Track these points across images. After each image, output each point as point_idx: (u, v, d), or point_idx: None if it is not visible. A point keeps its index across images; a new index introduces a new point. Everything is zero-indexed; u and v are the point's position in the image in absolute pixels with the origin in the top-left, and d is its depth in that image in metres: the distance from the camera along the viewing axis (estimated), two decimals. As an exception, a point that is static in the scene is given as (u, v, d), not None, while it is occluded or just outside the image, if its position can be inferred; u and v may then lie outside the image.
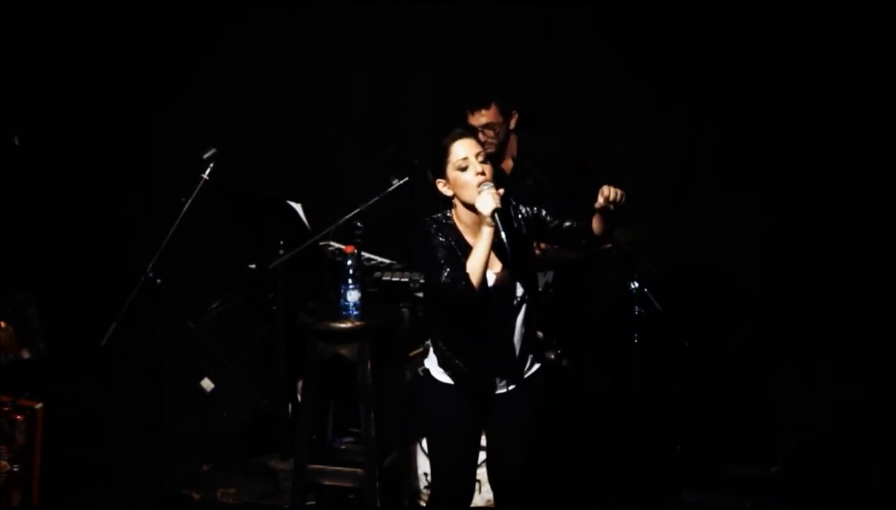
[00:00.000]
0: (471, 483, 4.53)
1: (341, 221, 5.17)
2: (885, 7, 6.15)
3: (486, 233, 4.17)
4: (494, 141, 5.74)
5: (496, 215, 4.14)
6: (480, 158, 4.25)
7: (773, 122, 6.52)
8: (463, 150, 4.26)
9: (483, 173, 4.22)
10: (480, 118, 5.73)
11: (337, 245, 5.33)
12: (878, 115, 6.36)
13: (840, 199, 6.47)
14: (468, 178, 4.24)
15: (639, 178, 6.61)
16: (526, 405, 4.43)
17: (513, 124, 5.85)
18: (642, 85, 6.58)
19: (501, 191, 4.22)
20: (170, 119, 6.97)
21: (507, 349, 4.36)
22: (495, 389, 4.40)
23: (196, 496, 5.88)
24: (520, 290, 4.33)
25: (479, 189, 4.19)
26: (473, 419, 4.42)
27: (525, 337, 4.38)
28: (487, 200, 4.16)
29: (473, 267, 4.17)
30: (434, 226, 4.30)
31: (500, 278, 4.30)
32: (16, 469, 5.06)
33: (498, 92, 5.78)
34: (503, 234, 4.13)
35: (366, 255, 5.51)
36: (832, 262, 6.51)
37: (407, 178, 5.15)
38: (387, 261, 5.68)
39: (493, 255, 4.26)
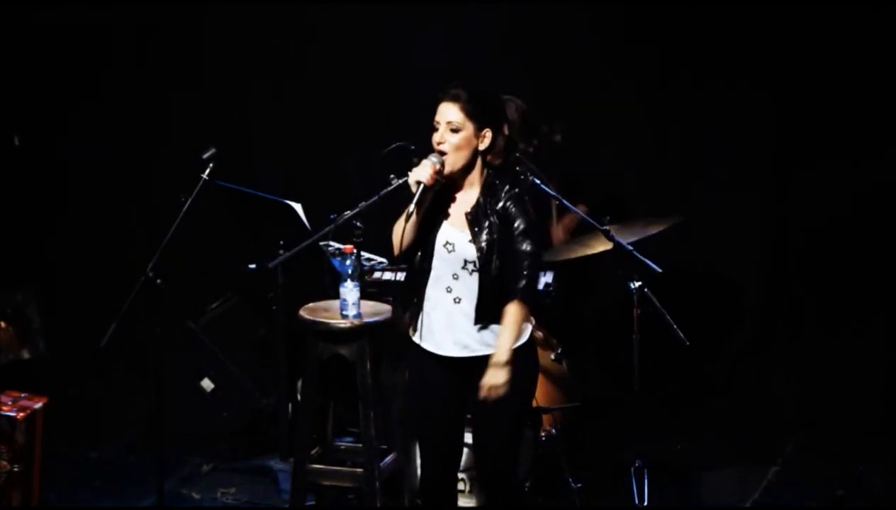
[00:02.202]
0: (453, 449, 4.54)
1: (341, 221, 5.16)
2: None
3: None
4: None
5: (420, 186, 4.29)
6: (451, 127, 4.33)
7: (773, 123, 6.53)
8: (439, 113, 4.39)
9: (440, 143, 4.34)
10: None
11: (337, 245, 5.32)
12: (874, 114, 6.38)
13: (839, 199, 6.48)
14: (433, 139, 4.38)
15: (641, 178, 6.62)
16: (505, 397, 4.36)
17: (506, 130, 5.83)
18: (642, 85, 6.59)
19: (438, 168, 4.30)
20: (169, 119, 6.97)
21: (460, 314, 4.37)
22: (456, 353, 4.40)
23: (196, 496, 5.89)
24: (467, 259, 4.35)
25: (428, 157, 4.34)
26: (449, 383, 4.44)
27: (482, 307, 4.36)
28: (419, 170, 4.32)
29: (395, 228, 4.39)
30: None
31: (449, 243, 4.37)
32: (16, 469, 5.05)
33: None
34: (411, 206, 4.28)
35: (366, 254, 5.51)
36: (832, 262, 6.51)
37: (406, 178, 5.14)
38: (387, 261, 5.68)
39: (449, 220, 4.39)
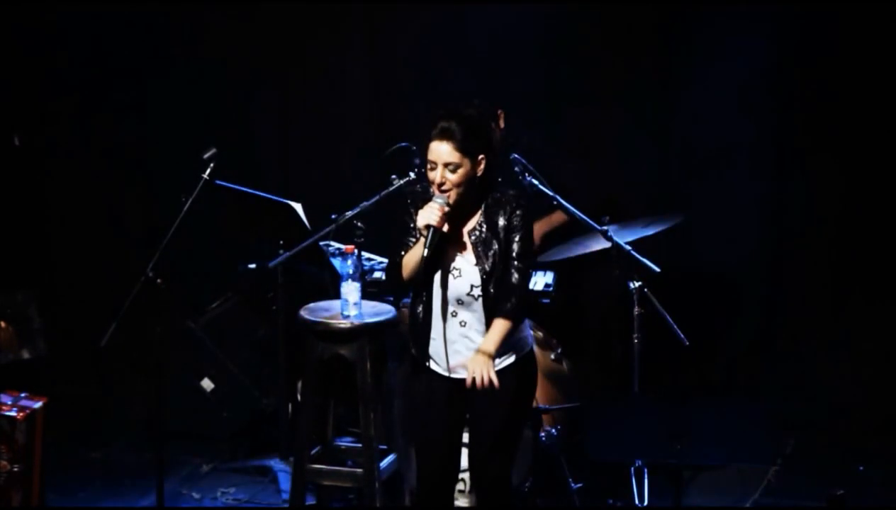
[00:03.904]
0: (449, 462, 4.53)
1: (341, 221, 5.17)
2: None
3: (421, 240, 4.28)
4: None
5: (429, 230, 4.26)
6: (450, 168, 4.30)
7: (773, 123, 6.53)
8: (433, 154, 4.33)
9: (442, 184, 4.31)
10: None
11: (337, 245, 5.32)
12: (873, 113, 6.38)
13: (840, 199, 6.48)
14: (431, 177, 4.34)
15: (641, 178, 6.62)
16: (498, 407, 4.41)
17: (502, 123, 5.85)
18: (642, 82, 6.59)
19: (447, 209, 4.28)
20: (170, 119, 6.96)
21: (465, 339, 4.38)
22: (455, 375, 4.40)
23: (196, 496, 5.89)
24: (474, 284, 4.35)
25: (432, 199, 4.31)
26: (447, 399, 4.44)
27: (485, 331, 4.37)
28: (428, 213, 4.28)
29: (406, 263, 4.36)
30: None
31: (456, 269, 4.37)
32: (16, 469, 5.06)
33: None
34: (424, 250, 4.25)
35: (366, 255, 5.51)
36: (832, 262, 6.51)
37: (408, 178, 5.15)
38: (387, 261, 5.68)
39: (453, 245, 4.38)
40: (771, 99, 6.48)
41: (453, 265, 4.38)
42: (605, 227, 5.07)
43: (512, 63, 6.59)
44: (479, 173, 4.35)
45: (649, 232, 5.36)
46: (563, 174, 5.76)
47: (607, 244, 5.11)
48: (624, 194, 6.35)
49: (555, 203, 5.06)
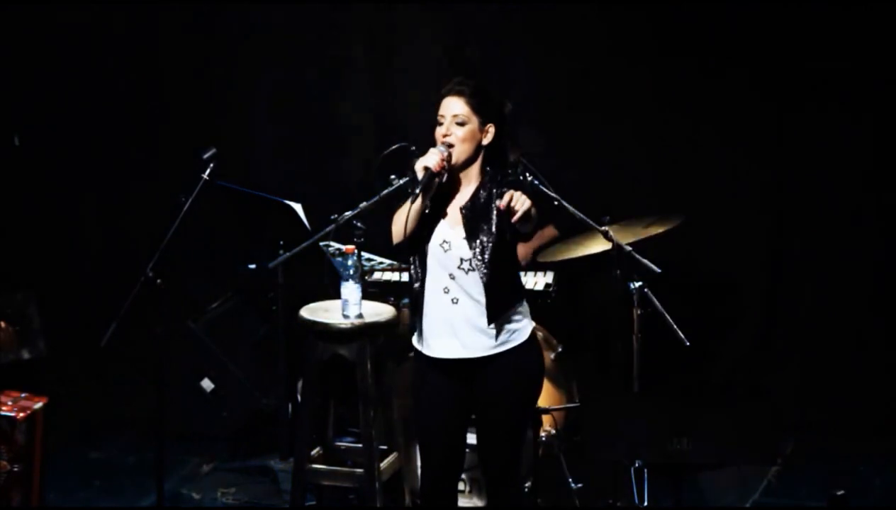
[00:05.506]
0: (454, 454, 4.53)
1: (341, 221, 5.17)
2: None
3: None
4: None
5: (427, 172, 4.26)
6: (458, 120, 4.35)
7: (773, 123, 6.53)
8: (443, 107, 4.40)
9: (447, 136, 4.35)
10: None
11: (337, 245, 5.32)
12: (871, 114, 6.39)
13: (839, 199, 6.48)
14: (438, 133, 4.38)
15: (639, 178, 6.62)
16: (506, 395, 4.41)
17: None
18: (643, 84, 6.59)
19: (445, 155, 4.29)
20: (170, 119, 6.97)
21: (458, 315, 4.37)
22: (455, 354, 4.39)
23: (196, 496, 5.89)
24: (463, 257, 4.34)
25: (436, 147, 4.34)
26: (451, 388, 4.44)
27: (492, 306, 4.35)
28: (426, 156, 4.30)
29: (408, 212, 4.32)
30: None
31: (446, 242, 4.37)
32: (16, 469, 5.05)
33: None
34: (418, 194, 4.25)
35: (366, 255, 5.51)
36: (832, 262, 6.51)
37: (408, 178, 5.14)
38: (387, 261, 5.68)
39: (445, 218, 4.39)
40: (771, 100, 6.48)
41: (444, 239, 4.38)
42: (605, 228, 5.06)
43: (512, 65, 6.59)
44: (485, 141, 4.37)
45: (650, 233, 5.36)
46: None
47: (608, 245, 5.10)
48: (623, 197, 6.34)
49: (556, 203, 5.05)
